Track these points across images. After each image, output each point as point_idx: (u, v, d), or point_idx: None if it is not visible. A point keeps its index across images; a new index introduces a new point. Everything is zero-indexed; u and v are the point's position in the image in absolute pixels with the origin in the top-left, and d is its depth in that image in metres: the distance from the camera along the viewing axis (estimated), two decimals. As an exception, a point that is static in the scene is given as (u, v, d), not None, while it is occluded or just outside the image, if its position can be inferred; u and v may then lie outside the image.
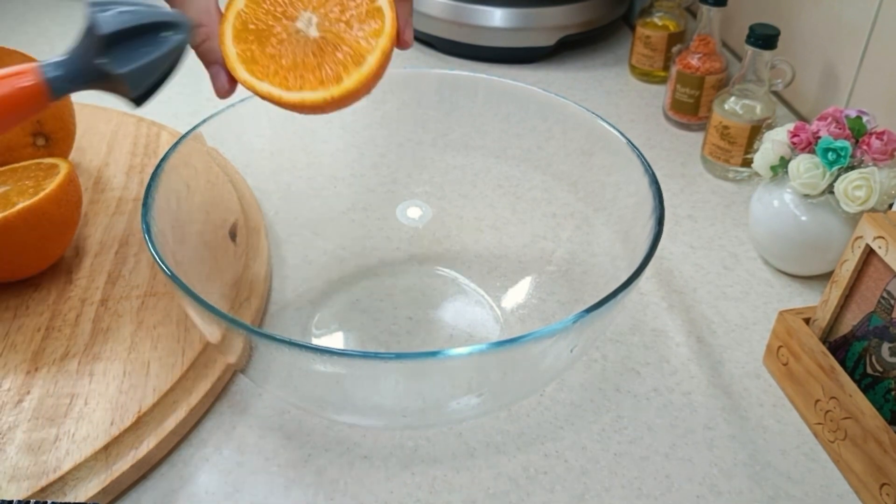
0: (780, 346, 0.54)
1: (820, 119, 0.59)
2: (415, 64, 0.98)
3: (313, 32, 0.36)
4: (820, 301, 0.53)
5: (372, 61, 0.36)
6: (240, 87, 0.40)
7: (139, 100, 0.36)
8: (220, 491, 0.46)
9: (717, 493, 0.47)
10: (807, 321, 0.53)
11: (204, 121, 0.53)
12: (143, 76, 0.35)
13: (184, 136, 0.51)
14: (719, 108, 0.73)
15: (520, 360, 0.43)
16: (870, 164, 0.56)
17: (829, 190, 0.58)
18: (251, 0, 0.37)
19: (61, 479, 0.44)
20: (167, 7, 0.37)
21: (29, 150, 0.62)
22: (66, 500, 0.43)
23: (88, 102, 0.77)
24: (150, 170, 0.43)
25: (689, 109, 0.82)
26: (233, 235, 0.59)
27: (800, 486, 0.48)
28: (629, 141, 0.52)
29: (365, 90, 0.38)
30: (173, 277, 0.41)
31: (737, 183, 0.75)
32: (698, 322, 0.59)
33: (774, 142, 0.60)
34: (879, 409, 0.47)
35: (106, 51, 0.34)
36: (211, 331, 0.43)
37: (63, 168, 0.58)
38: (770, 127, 0.68)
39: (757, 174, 0.63)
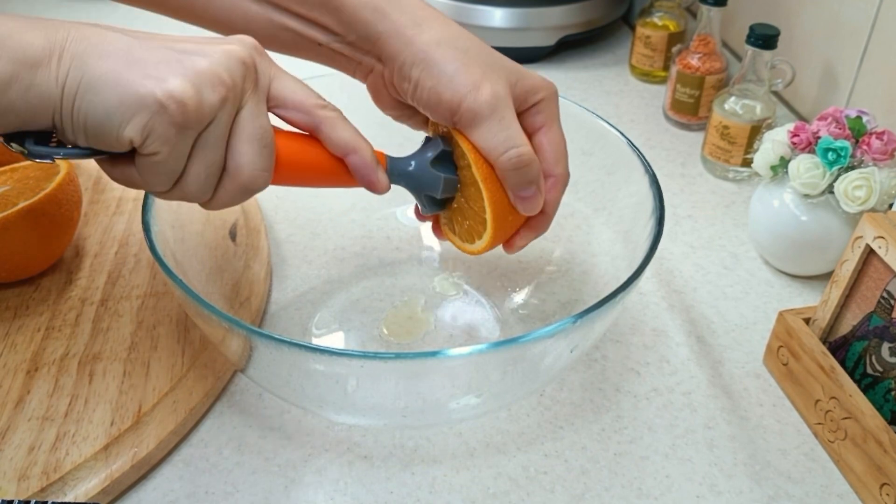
0: (780, 346, 0.54)
1: (820, 119, 0.59)
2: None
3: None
4: (820, 301, 0.53)
5: (480, 244, 0.48)
6: None
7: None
8: (220, 491, 0.46)
9: (717, 493, 0.47)
10: (807, 321, 0.53)
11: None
12: (432, 213, 0.49)
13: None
14: (719, 108, 0.73)
15: (520, 360, 0.43)
16: (870, 164, 0.56)
17: (829, 190, 0.58)
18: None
19: (61, 479, 0.44)
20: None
21: (29, 150, 0.62)
22: (66, 500, 0.43)
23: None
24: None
25: (689, 109, 0.82)
26: (233, 235, 0.59)
27: (800, 486, 0.48)
28: (629, 141, 0.52)
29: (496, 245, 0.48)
30: (173, 277, 0.41)
31: (737, 183, 0.75)
32: (698, 322, 0.59)
33: (774, 142, 0.60)
34: (879, 409, 0.47)
35: (428, 196, 0.47)
36: (211, 331, 0.43)
37: (63, 168, 0.58)
38: (770, 127, 0.68)
39: (757, 174, 0.63)
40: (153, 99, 0.34)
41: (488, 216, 0.45)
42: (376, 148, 0.44)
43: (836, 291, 0.51)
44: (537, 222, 0.48)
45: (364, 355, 0.39)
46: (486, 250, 0.48)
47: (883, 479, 0.45)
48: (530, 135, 0.45)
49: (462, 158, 0.45)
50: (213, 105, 0.36)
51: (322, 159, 0.42)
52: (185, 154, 0.37)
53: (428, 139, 0.48)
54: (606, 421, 0.51)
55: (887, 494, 0.44)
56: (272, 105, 0.40)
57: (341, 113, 0.42)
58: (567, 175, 0.47)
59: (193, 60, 0.36)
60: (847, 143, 0.56)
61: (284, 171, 0.41)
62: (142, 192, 0.54)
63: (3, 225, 0.52)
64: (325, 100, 0.41)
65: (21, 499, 0.43)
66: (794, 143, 0.59)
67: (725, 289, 0.63)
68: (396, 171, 0.45)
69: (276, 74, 0.40)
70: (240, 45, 0.38)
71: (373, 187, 0.43)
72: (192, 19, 0.48)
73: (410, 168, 0.46)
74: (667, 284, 0.63)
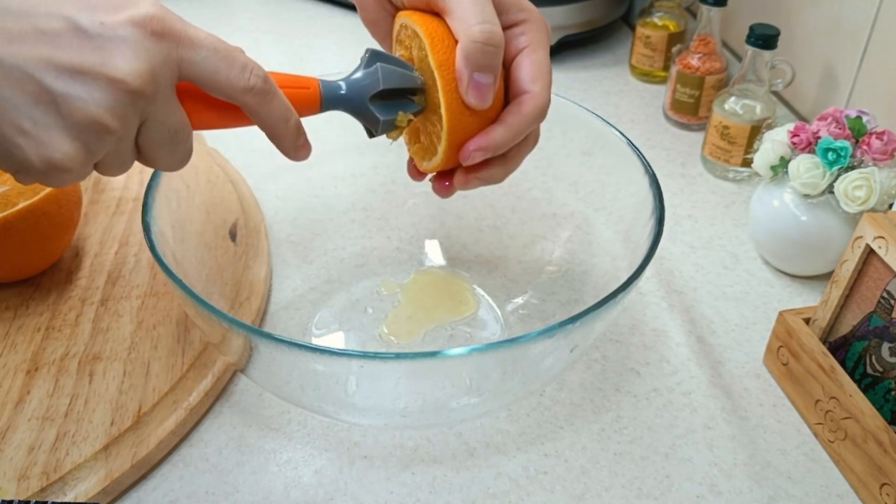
0: (780, 346, 0.54)
1: (820, 119, 0.59)
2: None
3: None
4: (820, 301, 0.53)
5: (436, 160, 0.43)
6: None
7: (374, 136, 0.44)
8: (220, 491, 0.46)
9: (717, 493, 0.47)
10: (807, 321, 0.53)
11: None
12: (392, 125, 0.43)
13: (184, 136, 0.51)
14: (719, 108, 0.73)
15: (520, 360, 0.43)
16: (870, 164, 0.56)
17: (829, 190, 0.58)
18: None
19: (61, 479, 0.44)
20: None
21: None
22: (66, 500, 0.43)
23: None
24: (151, 170, 0.44)
25: (689, 109, 0.82)
26: (233, 235, 0.59)
27: (800, 486, 0.48)
28: (629, 141, 0.52)
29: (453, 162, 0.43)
30: (173, 277, 0.41)
31: (737, 183, 0.75)
32: (698, 322, 0.59)
33: (774, 142, 0.60)
34: (879, 409, 0.47)
35: (376, 97, 0.41)
36: (211, 331, 0.43)
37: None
38: (770, 127, 0.68)
39: (757, 174, 0.63)
40: (33, 167, 0.33)
41: (443, 108, 0.40)
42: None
43: (836, 291, 0.51)
44: (496, 134, 0.42)
45: (364, 355, 0.39)
46: (446, 159, 0.42)
47: (883, 479, 0.45)
48: (510, 59, 0.42)
49: (420, 49, 0.41)
50: (103, 149, 0.34)
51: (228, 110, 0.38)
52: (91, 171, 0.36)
53: (369, 61, 0.42)
54: (606, 421, 0.51)
55: (887, 494, 0.44)
56: (187, 85, 0.36)
57: (265, 81, 0.37)
58: (546, 98, 0.42)
59: (71, 107, 0.32)
60: (847, 143, 0.56)
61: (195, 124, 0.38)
62: (142, 192, 0.54)
63: (3, 225, 0.52)
64: (248, 72, 0.36)
65: (21, 499, 0.43)
66: (794, 143, 0.59)
67: (725, 289, 0.63)
68: (333, 98, 0.41)
69: (186, 55, 0.35)
70: (132, 55, 0.33)
71: (290, 157, 0.41)
72: None
73: (345, 95, 0.41)
74: (667, 284, 0.63)
